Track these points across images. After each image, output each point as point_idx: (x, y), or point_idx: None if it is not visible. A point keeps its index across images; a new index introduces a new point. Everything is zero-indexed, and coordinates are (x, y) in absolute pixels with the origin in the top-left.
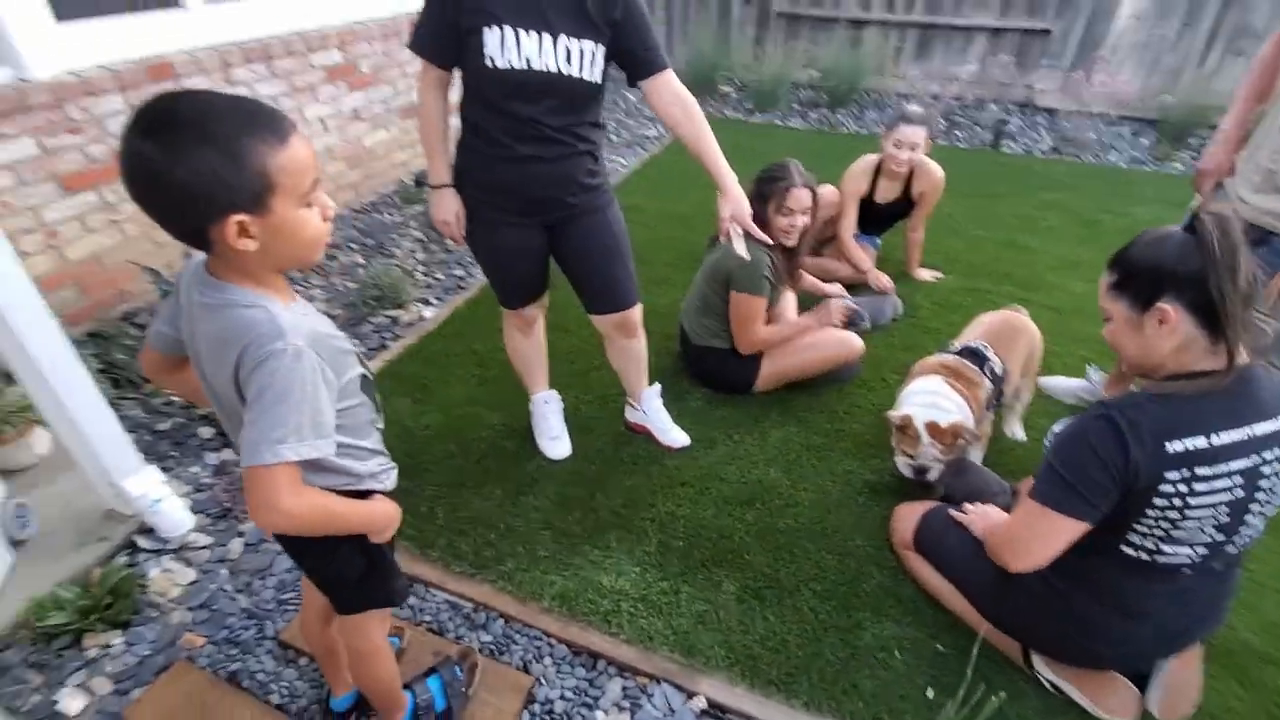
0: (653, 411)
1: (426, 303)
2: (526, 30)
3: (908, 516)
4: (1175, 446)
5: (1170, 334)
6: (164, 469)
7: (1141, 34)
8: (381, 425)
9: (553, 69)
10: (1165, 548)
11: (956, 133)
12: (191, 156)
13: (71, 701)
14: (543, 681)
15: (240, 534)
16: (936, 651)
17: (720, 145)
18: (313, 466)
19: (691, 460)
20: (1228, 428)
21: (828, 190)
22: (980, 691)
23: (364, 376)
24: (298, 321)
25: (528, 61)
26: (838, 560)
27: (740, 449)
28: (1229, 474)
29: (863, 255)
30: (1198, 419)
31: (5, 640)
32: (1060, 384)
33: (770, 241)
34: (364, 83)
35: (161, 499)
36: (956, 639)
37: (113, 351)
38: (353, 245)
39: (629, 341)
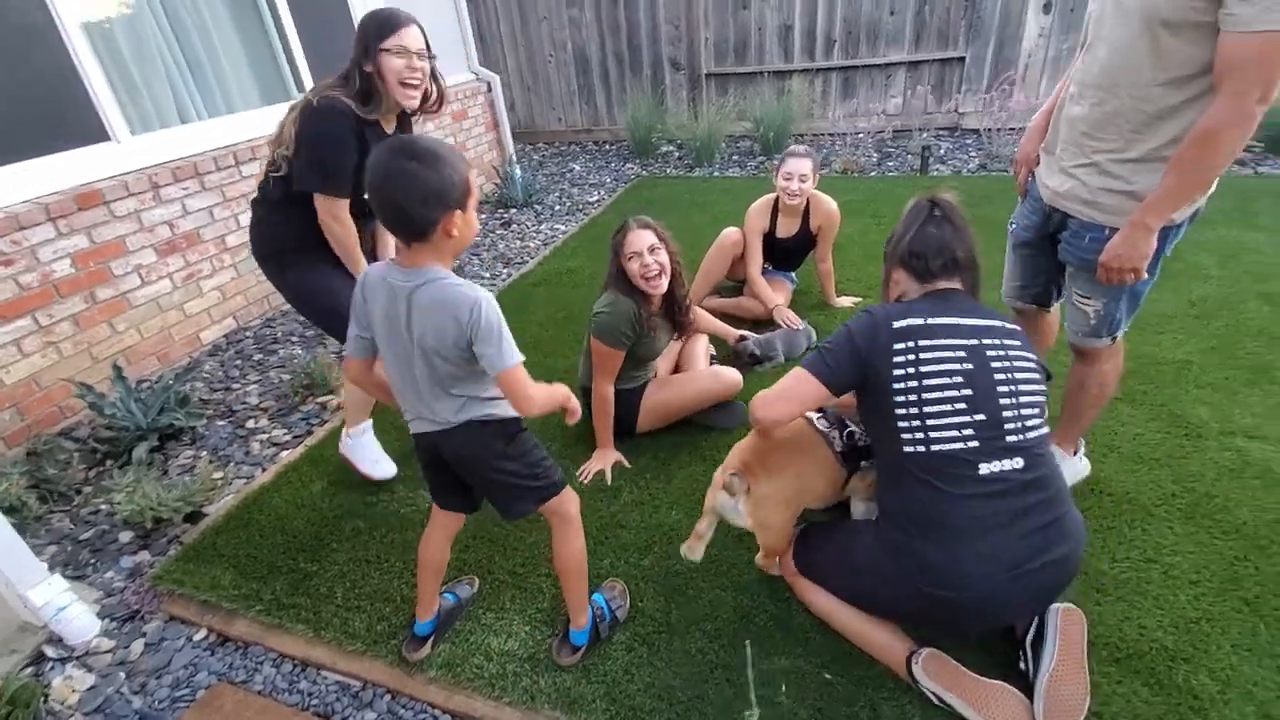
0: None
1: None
2: None
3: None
4: (899, 323)
5: (899, 284)
6: (80, 576)
7: (1050, 50)
8: None
9: None
10: (932, 432)
11: (889, 163)
12: (440, 169)
13: None
14: None
15: (143, 634)
16: (824, 681)
17: (663, 199)
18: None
19: (595, 511)
20: (939, 316)
21: (732, 232)
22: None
23: None
24: (469, 282)
25: None
26: (732, 596)
27: (645, 494)
28: (950, 347)
29: (770, 292)
30: (917, 309)
31: None
32: None
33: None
34: None
35: (66, 606)
36: (845, 667)
37: (46, 468)
38: (293, 339)
39: None
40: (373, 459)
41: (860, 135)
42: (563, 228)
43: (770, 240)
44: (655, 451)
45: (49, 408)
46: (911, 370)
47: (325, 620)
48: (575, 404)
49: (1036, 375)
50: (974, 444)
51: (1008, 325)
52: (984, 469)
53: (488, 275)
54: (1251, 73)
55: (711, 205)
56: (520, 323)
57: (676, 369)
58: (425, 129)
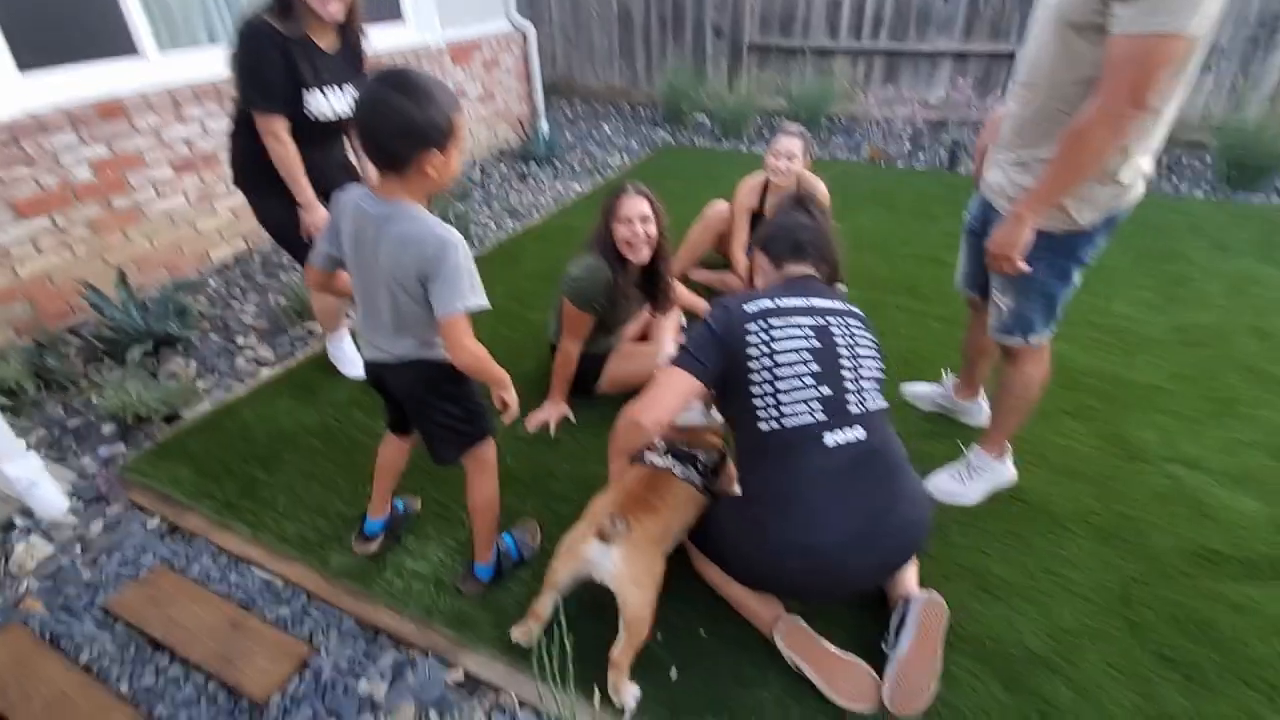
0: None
1: (347, 316)
2: (329, 86)
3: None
4: (750, 307)
5: (760, 269)
6: (60, 459)
7: None
8: None
9: (346, 111)
10: (784, 408)
11: (919, 155)
12: (426, 107)
13: None
14: (324, 652)
15: (104, 516)
16: (698, 636)
17: (681, 168)
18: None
19: (531, 459)
20: (787, 296)
21: (719, 206)
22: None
23: None
24: (443, 223)
25: (333, 109)
26: None
27: (582, 449)
28: (798, 325)
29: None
30: (767, 295)
31: None
32: (921, 390)
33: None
34: None
35: (37, 481)
36: (720, 625)
37: (48, 358)
38: (298, 265)
39: None
40: (350, 360)
41: (896, 123)
42: (577, 187)
43: (758, 219)
44: (603, 409)
45: (60, 304)
46: (765, 349)
47: (264, 524)
48: (512, 400)
49: (876, 353)
50: (821, 416)
51: (852, 309)
52: (829, 439)
53: (493, 226)
54: (1121, 73)
55: (728, 179)
56: (510, 274)
57: (644, 338)
58: (454, 73)
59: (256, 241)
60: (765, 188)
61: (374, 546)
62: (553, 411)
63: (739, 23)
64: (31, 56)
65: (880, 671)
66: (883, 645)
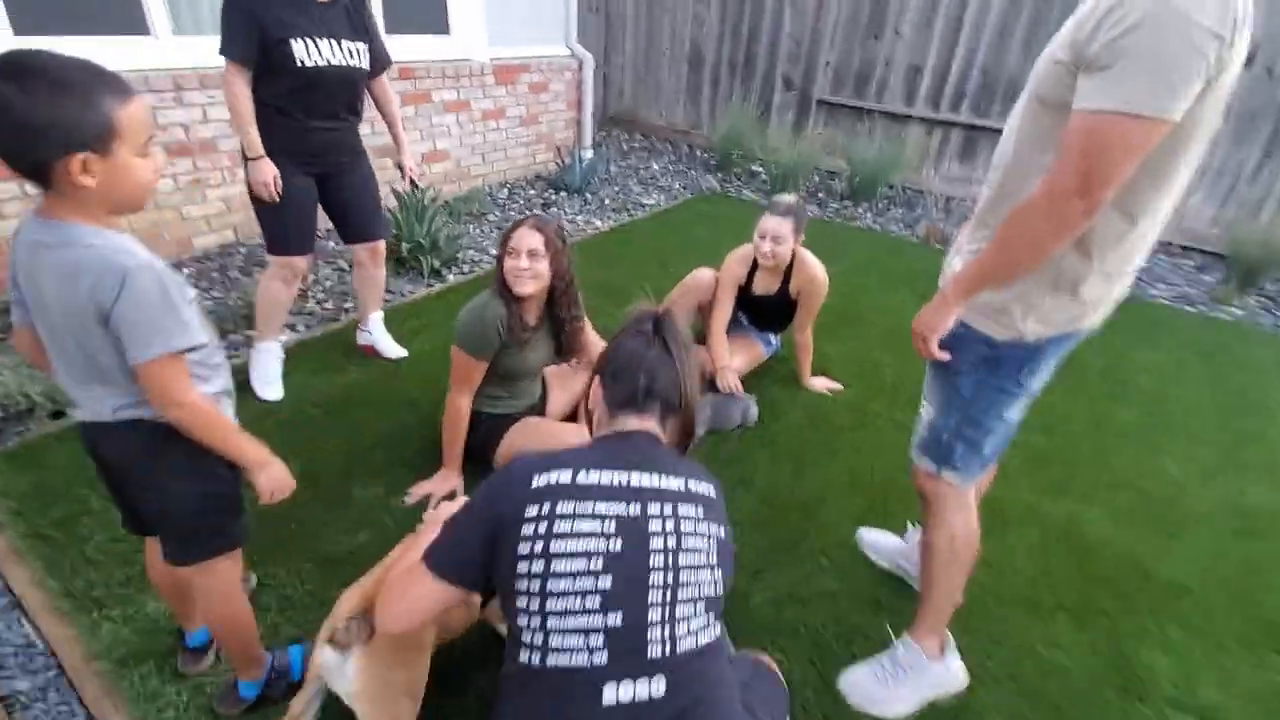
0: (377, 332)
1: (292, 329)
2: (321, 38)
3: None
4: (539, 480)
5: (596, 402)
6: None
7: (1215, 159)
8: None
9: (342, 63)
10: (552, 638)
11: None
12: (51, 99)
13: None
14: None
15: None
16: None
17: (714, 217)
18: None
19: (394, 537)
20: (599, 469)
21: (703, 275)
22: None
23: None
24: (134, 244)
25: (328, 60)
26: (477, 674)
27: None
28: (596, 516)
29: (722, 350)
30: (572, 459)
31: None
32: (880, 542)
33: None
34: None
35: None
36: None
37: None
38: (259, 269)
39: (376, 270)
40: (263, 378)
41: (964, 203)
42: (598, 223)
43: (746, 295)
44: None
45: None
46: (539, 547)
47: (60, 565)
48: (275, 478)
49: (712, 560)
50: (601, 658)
51: (693, 487)
52: (609, 696)
53: (493, 253)
54: (1071, 154)
55: None
56: None
57: (574, 415)
58: (495, 93)
59: (246, 234)
60: (756, 261)
61: (206, 662)
62: (441, 484)
63: (810, 76)
64: (31, 21)
65: None
66: None
